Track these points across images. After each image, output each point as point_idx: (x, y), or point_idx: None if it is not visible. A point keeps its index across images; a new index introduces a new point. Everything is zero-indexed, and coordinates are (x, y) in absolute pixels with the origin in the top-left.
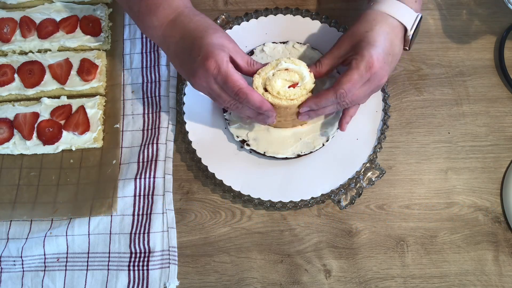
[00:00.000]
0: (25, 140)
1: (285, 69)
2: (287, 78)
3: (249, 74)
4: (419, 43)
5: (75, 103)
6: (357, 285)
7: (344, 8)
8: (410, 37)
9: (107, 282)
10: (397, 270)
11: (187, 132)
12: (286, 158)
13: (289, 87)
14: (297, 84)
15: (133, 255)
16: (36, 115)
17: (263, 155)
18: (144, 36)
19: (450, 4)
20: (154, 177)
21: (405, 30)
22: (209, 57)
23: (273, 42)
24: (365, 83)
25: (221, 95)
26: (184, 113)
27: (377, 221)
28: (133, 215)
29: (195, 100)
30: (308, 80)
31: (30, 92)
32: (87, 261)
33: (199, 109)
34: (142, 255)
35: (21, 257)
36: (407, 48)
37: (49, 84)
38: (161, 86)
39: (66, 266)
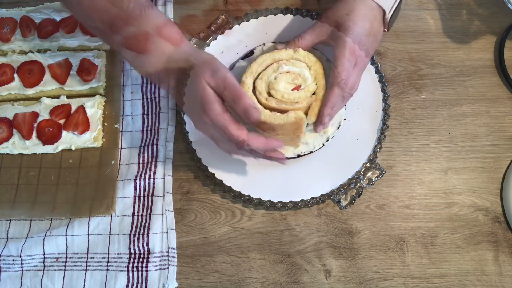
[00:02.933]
0: (24, 139)
1: (286, 72)
2: (290, 80)
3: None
4: (419, 43)
5: (74, 103)
6: (357, 285)
7: None
8: (388, 19)
9: (106, 283)
10: (397, 270)
11: (187, 132)
12: (286, 158)
13: (292, 89)
14: (300, 86)
15: (132, 256)
16: (35, 114)
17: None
18: None
19: (450, 4)
20: (153, 178)
21: (384, 12)
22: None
23: (273, 42)
24: (354, 67)
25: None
26: (184, 113)
27: (377, 221)
28: (133, 216)
29: None
30: (311, 82)
31: (30, 91)
32: (86, 262)
33: None
34: (141, 256)
35: (20, 256)
36: (386, 29)
37: (48, 84)
38: None
39: (65, 266)
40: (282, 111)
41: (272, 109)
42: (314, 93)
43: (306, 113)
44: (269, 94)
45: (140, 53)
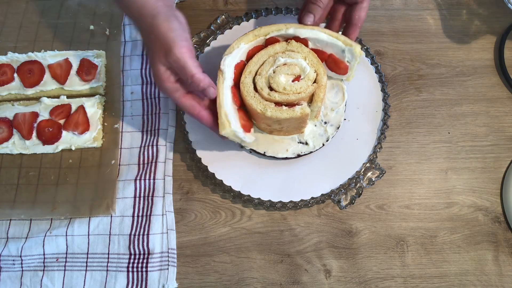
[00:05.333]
0: (24, 139)
1: (284, 64)
2: (289, 72)
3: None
4: (419, 43)
5: (74, 103)
6: (357, 285)
7: None
8: None
9: (106, 283)
10: (397, 270)
11: (187, 132)
12: (286, 158)
13: (292, 81)
14: (300, 76)
15: (132, 257)
16: (35, 114)
17: (263, 155)
18: None
19: (450, 4)
20: (154, 179)
21: None
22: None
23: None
24: None
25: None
26: (184, 113)
27: (377, 221)
28: (133, 216)
29: None
30: (310, 70)
31: (30, 91)
32: (86, 262)
33: None
34: (141, 256)
35: (20, 256)
36: None
37: (48, 84)
38: None
39: (65, 266)
40: (287, 104)
41: (276, 103)
42: (314, 81)
43: (309, 101)
44: (271, 89)
45: None
